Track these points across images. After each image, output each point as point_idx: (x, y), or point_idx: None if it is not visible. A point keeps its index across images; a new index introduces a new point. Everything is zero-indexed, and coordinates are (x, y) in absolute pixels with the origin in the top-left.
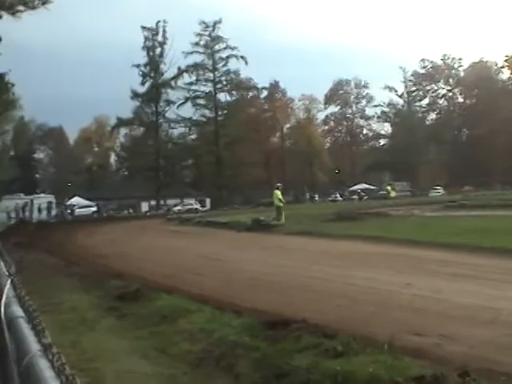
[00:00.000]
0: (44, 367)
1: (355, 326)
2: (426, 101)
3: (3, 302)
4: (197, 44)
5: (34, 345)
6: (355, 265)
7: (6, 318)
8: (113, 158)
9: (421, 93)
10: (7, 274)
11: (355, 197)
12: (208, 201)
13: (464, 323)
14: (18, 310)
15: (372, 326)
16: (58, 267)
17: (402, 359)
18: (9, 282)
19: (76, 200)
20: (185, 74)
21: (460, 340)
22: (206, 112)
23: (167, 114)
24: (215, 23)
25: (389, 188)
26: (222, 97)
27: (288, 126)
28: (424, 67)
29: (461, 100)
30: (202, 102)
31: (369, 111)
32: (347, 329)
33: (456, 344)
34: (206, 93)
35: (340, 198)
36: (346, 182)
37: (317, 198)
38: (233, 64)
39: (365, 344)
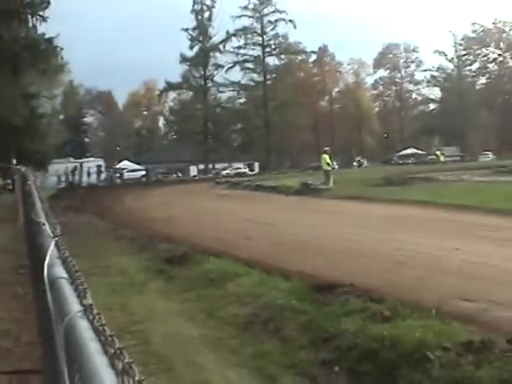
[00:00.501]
0: (83, 328)
1: (403, 291)
2: (476, 65)
3: (46, 263)
4: (245, 8)
5: (74, 305)
6: (403, 229)
7: (49, 279)
8: (161, 121)
9: (471, 57)
10: (51, 235)
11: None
12: (256, 165)
13: None
14: (60, 271)
15: (420, 291)
16: (107, 230)
17: (450, 324)
18: (53, 243)
19: (125, 164)
20: (233, 38)
21: (509, 306)
22: (255, 76)
23: (216, 78)
24: None
25: (438, 153)
26: (271, 61)
27: (336, 90)
28: (474, 31)
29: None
30: (250, 66)
31: (418, 76)
32: (395, 293)
33: (505, 310)
34: (255, 57)
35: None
36: (394, 147)
37: (365, 163)
38: (281, 28)
39: (412, 309)
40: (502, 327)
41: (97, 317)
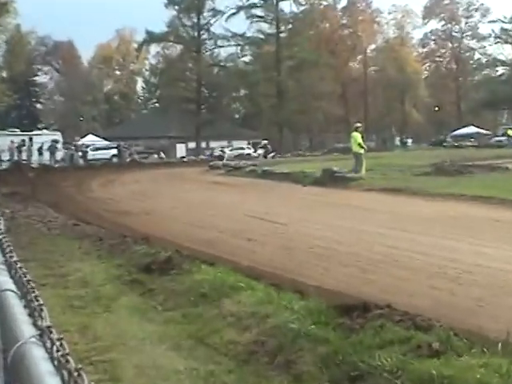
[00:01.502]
0: (39, 358)
1: (457, 316)
2: None
3: None
4: None
5: (26, 328)
6: (457, 233)
7: None
8: (140, 84)
9: None
10: None
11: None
12: (268, 144)
13: None
14: (6, 282)
15: (480, 317)
16: (65, 227)
17: None
18: None
19: (90, 139)
20: None
21: None
22: (265, 26)
23: (213, 29)
24: None
25: (510, 132)
26: (286, 6)
27: (373, 47)
28: None
29: None
30: (259, 12)
31: (483, 29)
32: (446, 319)
33: None
34: (265, 0)
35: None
36: (448, 124)
37: (409, 144)
38: None
39: (470, 341)
40: None
41: (57, 343)
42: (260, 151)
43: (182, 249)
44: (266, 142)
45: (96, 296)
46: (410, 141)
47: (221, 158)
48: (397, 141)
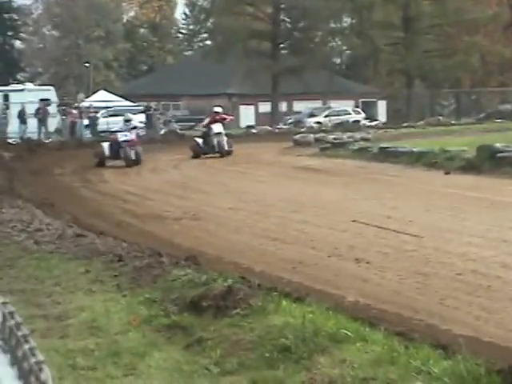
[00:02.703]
0: None
1: None
2: None
3: None
4: None
5: None
6: None
7: None
8: (181, 10)
9: None
10: None
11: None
12: (383, 106)
13: None
14: None
15: None
16: (63, 239)
17: None
18: None
19: (102, 98)
20: None
21: None
22: None
23: None
24: None
25: None
26: None
27: None
28: None
29: None
30: None
31: None
32: None
33: None
34: None
35: None
36: None
37: None
38: None
39: None
40: None
41: None
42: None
43: (250, 275)
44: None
45: (113, 350)
46: None
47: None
48: None
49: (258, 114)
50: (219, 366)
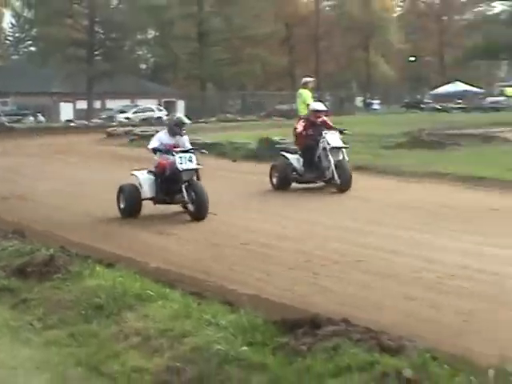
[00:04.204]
0: None
1: (435, 335)
2: None
3: None
4: None
5: None
6: (442, 227)
7: None
8: (8, 20)
9: None
10: None
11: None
12: (181, 105)
13: None
14: None
15: (466, 337)
16: None
17: None
18: None
19: None
20: None
21: None
22: None
23: None
24: None
25: (510, 91)
26: None
27: None
28: None
29: None
30: None
31: None
32: (421, 339)
33: None
34: None
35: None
36: (427, 81)
37: (377, 106)
38: None
39: (452, 367)
40: None
41: None
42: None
43: (69, 245)
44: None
45: None
46: (376, 102)
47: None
48: (358, 102)
49: (76, 110)
50: (42, 322)
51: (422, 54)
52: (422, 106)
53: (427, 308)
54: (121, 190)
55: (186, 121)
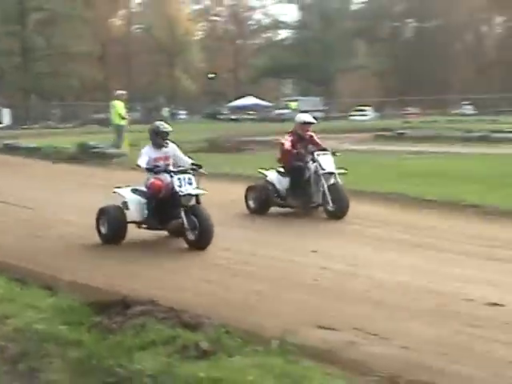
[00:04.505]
0: None
1: (231, 312)
2: None
3: None
4: None
5: None
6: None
7: None
8: None
9: None
10: None
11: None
12: (7, 113)
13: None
14: None
15: (257, 313)
16: None
17: (299, 363)
18: None
19: None
20: None
21: (385, 337)
22: None
23: None
24: None
25: (293, 105)
26: None
27: (139, 1)
28: None
29: None
30: None
31: None
32: (218, 316)
33: (379, 343)
34: None
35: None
36: (225, 94)
37: (183, 115)
38: None
39: (244, 340)
40: (375, 368)
41: None
42: None
43: None
44: None
45: None
46: (183, 112)
47: None
48: (165, 112)
49: None
50: None
51: (219, 72)
52: (220, 116)
53: (222, 289)
54: (102, 212)
55: (168, 128)
